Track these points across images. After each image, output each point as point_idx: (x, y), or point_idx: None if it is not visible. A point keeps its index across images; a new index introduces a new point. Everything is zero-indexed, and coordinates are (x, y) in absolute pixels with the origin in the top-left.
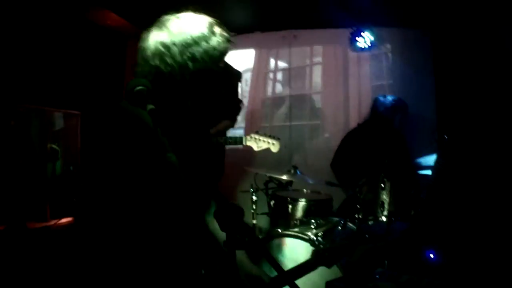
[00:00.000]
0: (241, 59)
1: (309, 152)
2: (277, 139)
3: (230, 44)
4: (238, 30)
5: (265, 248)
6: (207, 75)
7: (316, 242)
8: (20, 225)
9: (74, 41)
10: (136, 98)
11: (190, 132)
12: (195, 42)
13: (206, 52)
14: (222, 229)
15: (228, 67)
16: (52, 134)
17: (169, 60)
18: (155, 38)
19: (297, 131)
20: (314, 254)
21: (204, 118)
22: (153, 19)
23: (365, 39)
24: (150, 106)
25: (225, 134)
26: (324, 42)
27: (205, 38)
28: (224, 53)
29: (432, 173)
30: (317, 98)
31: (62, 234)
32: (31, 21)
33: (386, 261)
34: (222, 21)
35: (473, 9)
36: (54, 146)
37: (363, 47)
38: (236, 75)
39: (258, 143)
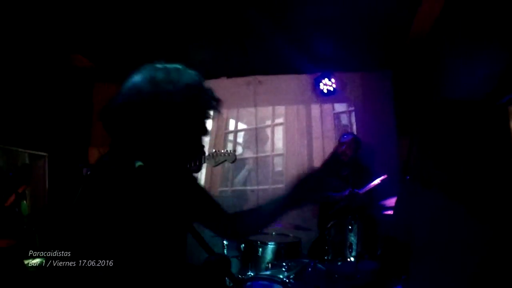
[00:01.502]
0: None
1: None
2: (233, 151)
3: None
4: (205, 75)
5: None
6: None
7: (289, 285)
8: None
9: (43, 82)
10: (124, 155)
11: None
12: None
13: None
14: (210, 279)
15: None
16: None
17: (145, 96)
18: (134, 80)
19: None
20: None
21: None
22: (117, 63)
23: (328, 84)
24: (139, 163)
25: None
26: (288, 87)
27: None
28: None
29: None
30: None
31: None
32: None
33: None
34: (188, 66)
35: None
36: None
37: (326, 92)
38: None
39: (215, 158)
